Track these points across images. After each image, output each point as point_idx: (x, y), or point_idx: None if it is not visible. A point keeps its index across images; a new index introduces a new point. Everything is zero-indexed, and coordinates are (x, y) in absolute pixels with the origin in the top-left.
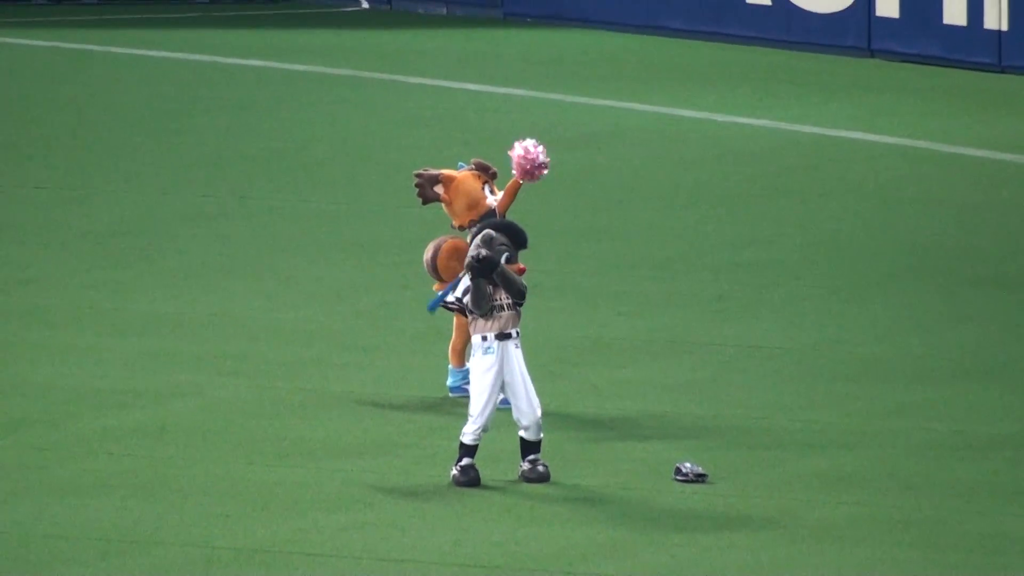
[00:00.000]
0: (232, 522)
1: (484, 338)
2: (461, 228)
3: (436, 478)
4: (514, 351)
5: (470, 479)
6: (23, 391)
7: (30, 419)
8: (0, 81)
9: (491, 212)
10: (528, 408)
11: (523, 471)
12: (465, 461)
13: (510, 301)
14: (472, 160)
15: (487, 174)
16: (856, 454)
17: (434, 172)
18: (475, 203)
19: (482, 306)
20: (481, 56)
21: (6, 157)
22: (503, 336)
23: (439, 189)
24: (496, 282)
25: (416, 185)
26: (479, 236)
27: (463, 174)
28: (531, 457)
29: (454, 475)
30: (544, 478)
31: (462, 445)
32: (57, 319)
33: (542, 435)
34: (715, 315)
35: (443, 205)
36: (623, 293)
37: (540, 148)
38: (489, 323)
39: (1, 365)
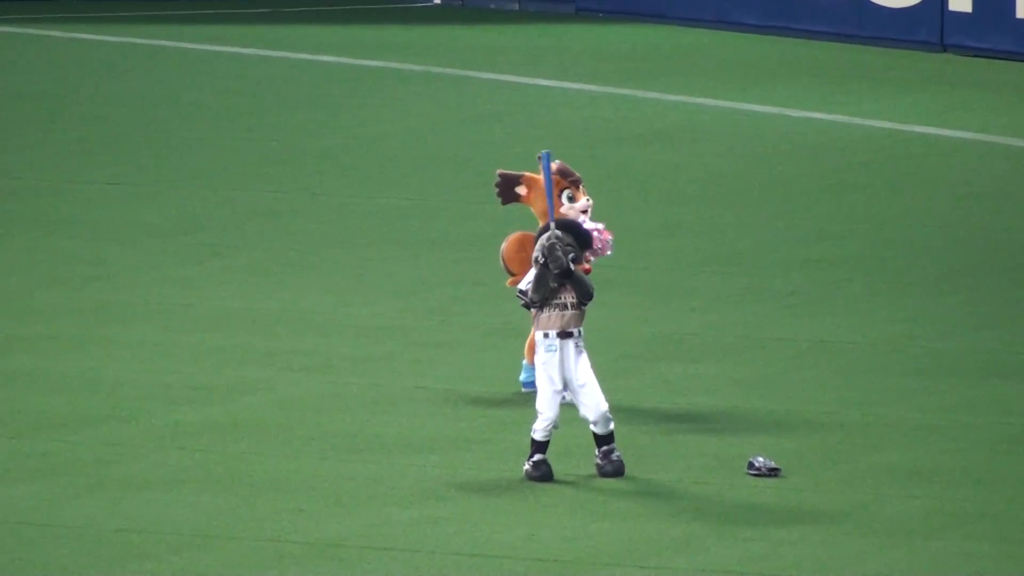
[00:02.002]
0: (304, 517)
1: (546, 335)
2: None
3: (508, 473)
4: (574, 351)
5: (542, 474)
6: (95, 387)
7: (102, 414)
8: (72, 77)
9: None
10: (592, 404)
11: (598, 464)
12: (537, 457)
13: (575, 300)
14: (555, 162)
15: (567, 180)
16: (928, 448)
17: (515, 174)
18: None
19: (539, 292)
20: (553, 51)
21: (78, 153)
22: (565, 335)
23: (521, 190)
24: (567, 284)
25: (496, 185)
26: (543, 236)
27: (531, 176)
28: (604, 448)
29: (526, 470)
30: (620, 469)
31: (533, 441)
32: (128, 315)
33: (612, 426)
34: (787, 311)
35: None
36: (695, 289)
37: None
38: (551, 320)
39: (73, 361)
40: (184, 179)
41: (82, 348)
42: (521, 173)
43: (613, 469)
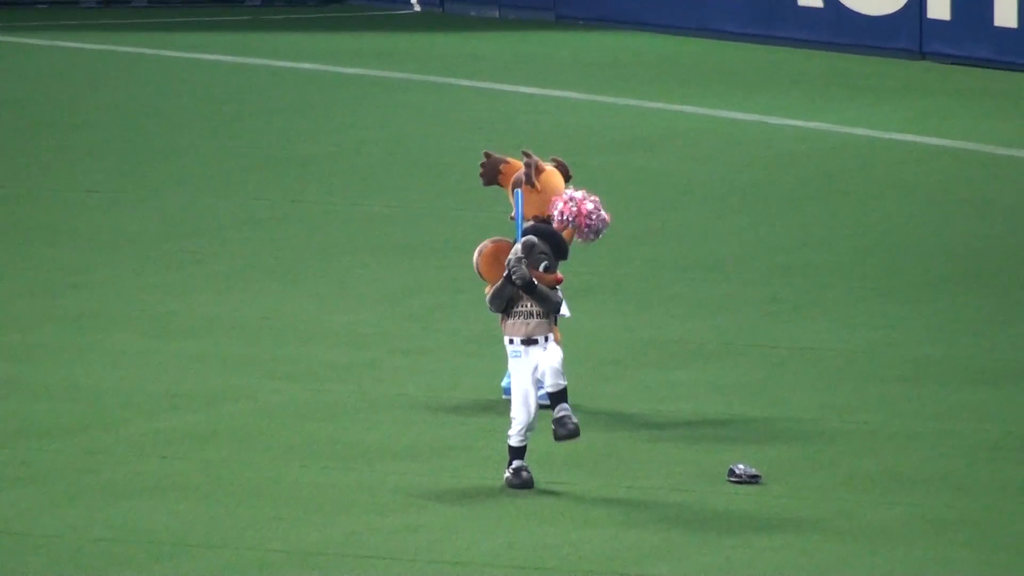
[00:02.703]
0: (285, 525)
1: (511, 341)
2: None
3: (489, 481)
4: (541, 353)
5: (523, 481)
6: (74, 395)
7: (83, 423)
8: (52, 84)
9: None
10: (545, 360)
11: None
12: (516, 463)
13: (540, 310)
14: (552, 157)
15: (566, 175)
16: (909, 455)
17: (500, 158)
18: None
19: (497, 302)
20: (533, 59)
21: (57, 160)
22: (530, 341)
23: (503, 172)
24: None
25: (482, 165)
26: (520, 242)
27: (551, 168)
28: (558, 410)
29: (507, 478)
30: (574, 431)
31: (510, 448)
32: (109, 322)
33: (564, 383)
34: (768, 317)
35: (508, 193)
36: (676, 295)
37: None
38: (516, 327)
39: (52, 369)
40: (165, 186)
41: (63, 356)
42: (505, 158)
43: (566, 432)
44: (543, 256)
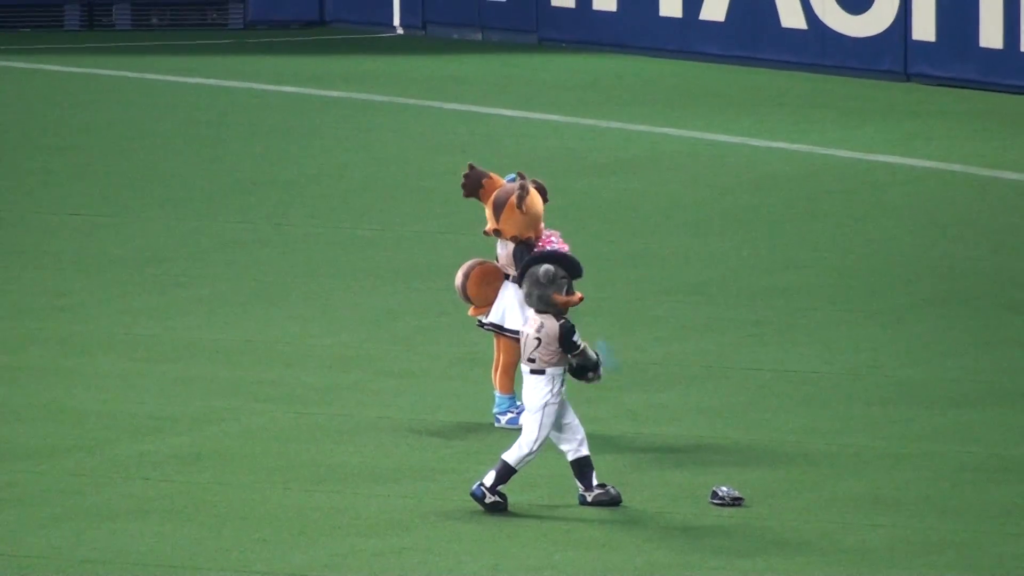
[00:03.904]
0: (269, 547)
1: (560, 384)
2: (496, 234)
3: (473, 503)
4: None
5: (497, 504)
6: (59, 417)
7: (66, 445)
8: (35, 107)
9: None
10: (573, 428)
11: (597, 495)
12: (502, 487)
13: None
14: (532, 179)
15: (544, 197)
16: (892, 477)
17: (483, 172)
18: (537, 223)
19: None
20: (516, 81)
21: (41, 183)
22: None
23: (484, 185)
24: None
25: (465, 176)
26: (540, 272)
27: (534, 191)
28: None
29: (494, 501)
30: (616, 499)
31: (508, 470)
32: (92, 345)
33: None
34: (751, 340)
35: (487, 208)
36: (659, 318)
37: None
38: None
39: (36, 391)
40: (148, 210)
41: (47, 379)
42: (488, 173)
43: (609, 499)
44: (564, 281)
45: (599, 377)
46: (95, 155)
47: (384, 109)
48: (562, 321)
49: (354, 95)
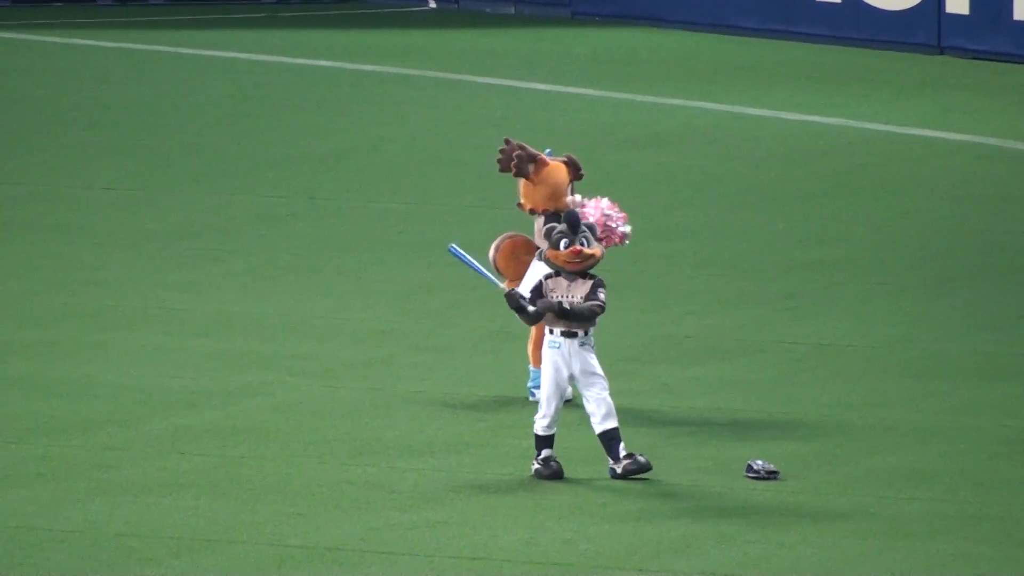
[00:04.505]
0: (304, 521)
1: (551, 331)
2: (532, 213)
3: (507, 476)
4: (579, 349)
5: (552, 471)
6: (94, 392)
7: (101, 419)
8: (69, 82)
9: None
10: (596, 400)
11: (625, 466)
12: (544, 453)
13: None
14: (565, 154)
15: (575, 173)
16: (927, 451)
17: (534, 153)
18: (559, 195)
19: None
20: (549, 55)
21: (75, 158)
22: (569, 334)
23: (532, 169)
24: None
25: (502, 151)
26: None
27: (556, 163)
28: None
29: (536, 469)
30: (644, 465)
31: (536, 437)
32: (126, 320)
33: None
34: (785, 313)
35: (520, 184)
36: (693, 292)
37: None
38: (560, 320)
39: (71, 366)
40: (182, 184)
41: (81, 353)
42: (539, 154)
43: (637, 467)
44: (559, 236)
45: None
46: (128, 130)
47: (418, 83)
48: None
49: (388, 69)
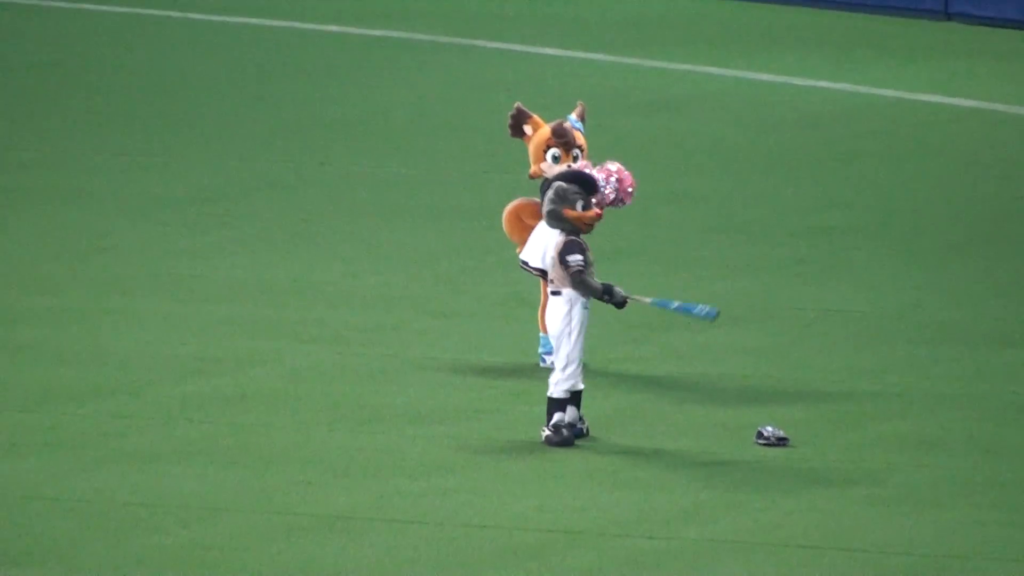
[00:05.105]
0: (313, 489)
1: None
2: (530, 177)
3: (518, 443)
4: (583, 311)
5: (563, 439)
6: (102, 359)
7: (110, 387)
8: (79, 48)
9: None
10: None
11: (548, 435)
12: (558, 417)
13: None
14: (557, 120)
15: (558, 140)
16: (936, 417)
17: (527, 113)
18: (535, 156)
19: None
20: (560, 20)
21: (85, 124)
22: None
23: (527, 128)
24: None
25: (511, 116)
26: (551, 190)
27: (544, 130)
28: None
29: (547, 436)
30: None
31: (555, 401)
32: (136, 286)
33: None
34: (795, 279)
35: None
36: (703, 258)
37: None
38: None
39: (80, 333)
40: (192, 150)
41: (90, 320)
42: (532, 115)
43: (560, 440)
44: (576, 196)
45: (618, 304)
46: (139, 96)
47: (428, 48)
48: (568, 237)
49: (398, 34)
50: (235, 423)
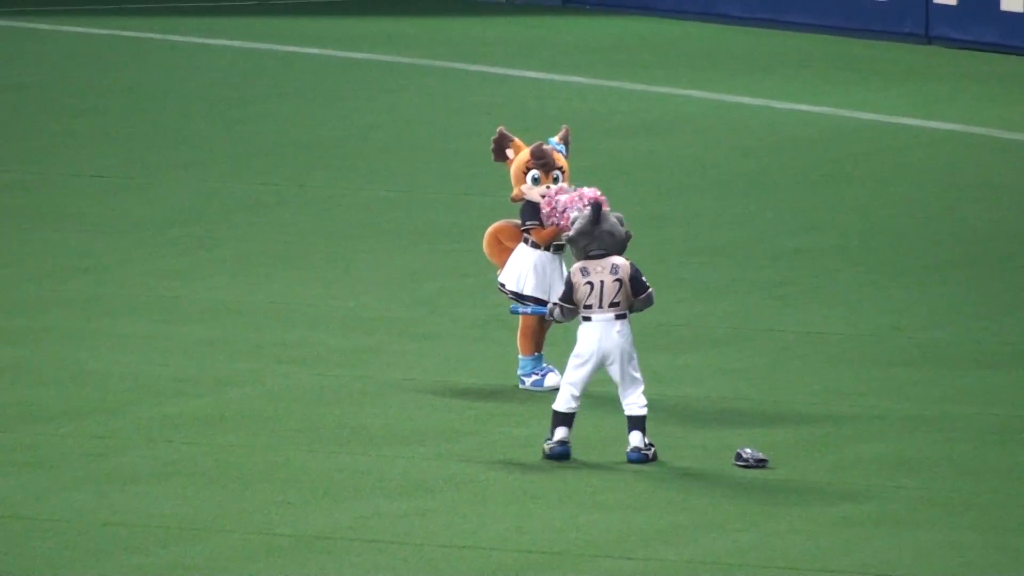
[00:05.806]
0: (293, 509)
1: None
2: (512, 200)
3: (497, 464)
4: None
5: (562, 452)
6: (82, 379)
7: (89, 407)
8: (59, 69)
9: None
10: None
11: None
12: (561, 432)
13: None
14: (536, 144)
15: (537, 162)
16: (915, 439)
17: (510, 137)
18: (515, 178)
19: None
20: (541, 43)
21: (64, 145)
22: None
23: (509, 152)
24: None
25: (494, 141)
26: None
27: (524, 152)
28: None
29: (551, 447)
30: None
31: (556, 414)
32: (115, 307)
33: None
34: (775, 302)
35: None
36: (683, 280)
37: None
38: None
39: (59, 353)
40: (171, 171)
41: (69, 341)
42: (514, 138)
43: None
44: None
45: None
46: (118, 117)
47: (408, 71)
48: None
49: (379, 57)
50: (214, 443)
